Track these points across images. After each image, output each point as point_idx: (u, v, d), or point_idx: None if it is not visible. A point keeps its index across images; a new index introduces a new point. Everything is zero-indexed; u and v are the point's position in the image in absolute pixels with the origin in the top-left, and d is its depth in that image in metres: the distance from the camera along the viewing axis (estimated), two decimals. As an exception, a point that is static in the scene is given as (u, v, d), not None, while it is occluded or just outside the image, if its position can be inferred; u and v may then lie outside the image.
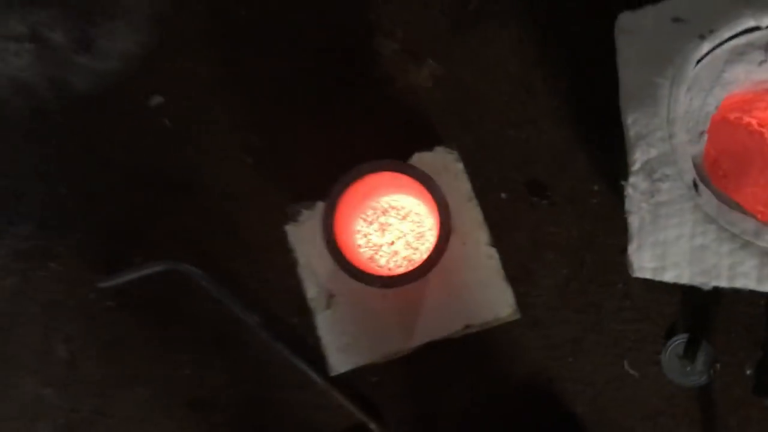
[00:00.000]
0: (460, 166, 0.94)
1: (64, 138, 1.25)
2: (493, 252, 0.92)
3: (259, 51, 1.23)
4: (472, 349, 1.08)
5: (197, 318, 1.16)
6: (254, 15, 1.26)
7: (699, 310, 1.07)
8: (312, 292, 0.91)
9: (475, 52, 1.20)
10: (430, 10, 1.22)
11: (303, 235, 0.92)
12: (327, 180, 0.86)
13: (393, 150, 0.98)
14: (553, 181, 1.15)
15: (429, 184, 0.79)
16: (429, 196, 0.81)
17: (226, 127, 1.22)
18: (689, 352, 1.04)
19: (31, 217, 1.23)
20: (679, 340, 1.06)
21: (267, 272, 1.15)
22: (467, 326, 0.90)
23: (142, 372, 1.16)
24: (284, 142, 1.19)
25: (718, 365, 1.05)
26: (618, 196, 0.91)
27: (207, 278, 1.13)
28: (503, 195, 1.15)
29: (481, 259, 0.91)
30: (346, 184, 0.78)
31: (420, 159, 0.94)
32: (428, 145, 1.01)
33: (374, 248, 0.93)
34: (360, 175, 0.79)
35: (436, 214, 0.80)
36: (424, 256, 0.82)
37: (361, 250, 0.92)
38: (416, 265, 0.78)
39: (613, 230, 1.14)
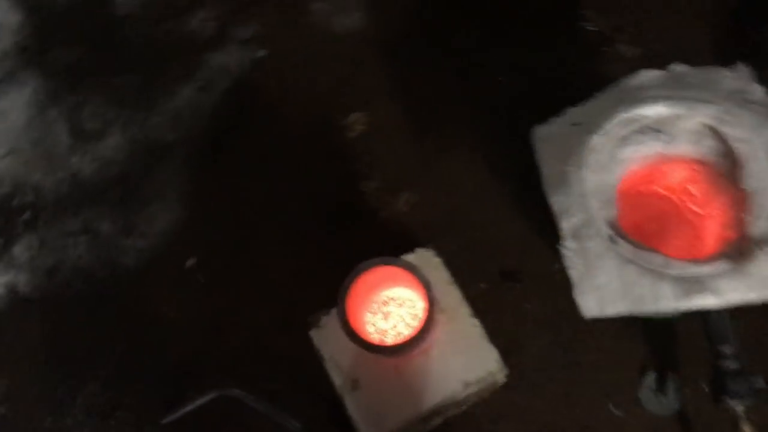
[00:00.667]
0: (438, 259, 1.20)
1: (120, 305, 1.52)
2: (476, 322, 1.15)
3: (268, 215, 1.54)
4: (482, 419, 1.28)
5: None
6: (264, 189, 1.58)
7: (660, 348, 1.28)
8: (338, 380, 1.13)
9: (440, 177, 1.51)
10: (398, 151, 1.54)
11: (325, 336, 1.16)
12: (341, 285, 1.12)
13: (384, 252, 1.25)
14: (522, 266, 1.41)
15: (414, 270, 1.05)
16: (416, 282, 1.06)
17: (254, 274, 1.49)
18: (660, 386, 1.24)
19: (98, 377, 1.47)
20: (651, 377, 1.26)
21: (301, 380, 1.37)
22: (466, 384, 1.12)
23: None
24: (299, 272, 1.46)
25: (686, 390, 1.24)
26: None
27: (251, 397, 1.35)
28: (482, 285, 1.40)
29: (467, 328, 1.15)
30: (351, 281, 1.04)
31: (405, 259, 1.21)
32: (410, 250, 1.29)
33: (381, 332, 1.17)
34: (362, 270, 1.05)
35: (423, 293, 1.05)
36: (419, 330, 1.06)
37: (372, 336, 1.16)
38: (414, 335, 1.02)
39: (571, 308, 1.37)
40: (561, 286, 1.32)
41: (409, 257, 1.19)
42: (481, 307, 1.31)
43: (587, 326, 1.34)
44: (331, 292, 1.20)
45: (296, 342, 1.30)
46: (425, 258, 1.19)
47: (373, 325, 1.19)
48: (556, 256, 1.41)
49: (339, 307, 1.04)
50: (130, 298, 1.52)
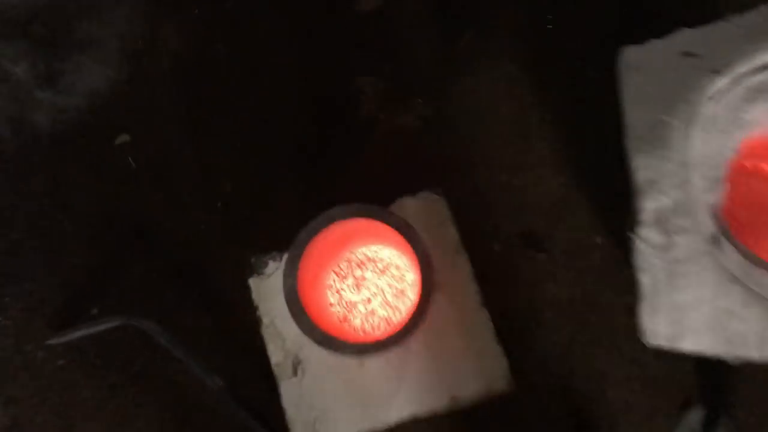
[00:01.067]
0: (447, 212, 0.84)
1: (19, 179, 1.15)
2: (484, 314, 0.81)
3: (235, 92, 1.15)
4: (462, 426, 0.96)
5: (157, 380, 1.04)
6: (233, 54, 1.18)
7: (719, 380, 0.95)
8: (277, 356, 0.79)
9: (466, 91, 1.11)
10: (419, 46, 1.14)
11: (268, 290, 0.81)
12: (300, 230, 0.76)
13: (375, 196, 0.88)
14: (551, 232, 1.05)
15: (409, 234, 0.69)
16: (410, 248, 0.70)
17: (195, 170, 1.11)
18: (708, 430, 0.91)
19: (-22, 263, 1.12)
20: (695, 415, 0.94)
21: (233, 329, 1.04)
22: (454, 398, 0.78)
23: (92, 441, 1.04)
24: (257, 188, 1.09)
25: (740, 441, 0.93)
26: (624, 249, 0.81)
27: (167, 336, 1.02)
28: (496, 247, 1.04)
29: (472, 321, 0.80)
30: (314, 232, 0.68)
31: (402, 205, 0.84)
32: (413, 191, 0.91)
33: (348, 307, 0.82)
34: (329, 221, 0.68)
35: (417, 268, 0.69)
36: (405, 317, 0.70)
37: (333, 309, 0.81)
38: (395, 328, 0.67)
39: (618, 288, 1.03)
40: (597, 270, 1.03)
41: (408, 203, 0.82)
42: (489, 275, 0.96)
43: (623, 327, 1.01)
44: (295, 222, 0.85)
45: (238, 280, 0.95)
46: (429, 207, 0.83)
47: (338, 292, 0.84)
48: (598, 228, 1.06)
49: (287, 275, 0.68)
50: (33, 170, 1.15)
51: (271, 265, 0.82)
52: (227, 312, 1.03)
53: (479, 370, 0.77)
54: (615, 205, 1.03)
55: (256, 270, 0.82)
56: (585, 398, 0.98)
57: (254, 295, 0.83)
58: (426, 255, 0.67)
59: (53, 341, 1.05)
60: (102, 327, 1.03)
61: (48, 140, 1.16)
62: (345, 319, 0.80)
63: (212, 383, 1.02)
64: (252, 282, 0.83)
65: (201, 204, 1.09)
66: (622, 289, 1.02)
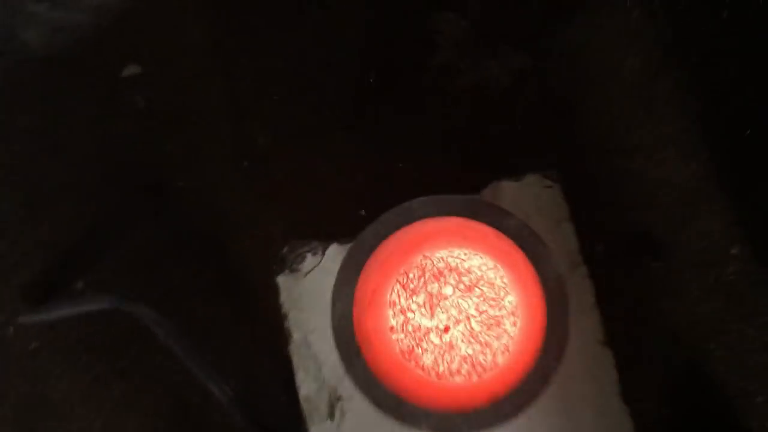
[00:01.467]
0: (566, 207, 0.59)
1: (2, 111, 0.92)
2: (607, 355, 0.56)
3: (273, 21, 0.90)
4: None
5: (150, 379, 0.83)
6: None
7: None
8: (308, 387, 0.56)
9: (576, 43, 0.85)
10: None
11: (303, 294, 0.57)
12: (350, 216, 0.53)
13: (453, 176, 0.65)
14: (674, 236, 0.81)
15: (533, 245, 0.44)
16: (519, 260, 0.46)
17: (220, 117, 0.88)
18: None
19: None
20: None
21: (255, 326, 0.81)
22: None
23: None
24: (297, 149, 0.85)
25: None
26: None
27: (167, 328, 0.79)
28: (598, 248, 0.80)
29: (589, 364, 0.56)
30: (382, 234, 0.44)
31: (498, 191, 0.60)
32: (507, 172, 0.66)
33: (415, 335, 0.57)
34: (407, 219, 0.44)
35: (533, 291, 0.45)
36: (499, 359, 0.46)
37: (395, 336, 0.57)
38: (490, 375, 0.43)
39: (753, 314, 0.79)
40: (729, 289, 0.81)
41: (505, 189, 0.57)
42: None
43: (758, 366, 0.77)
44: (342, 203, 0.63)
45: (265, 263, 0.72)
46: (539, 198, 0.58)
47: (402, 313, 0.58)
48: (735, 236, 0.82)
49: (339, 283, 0.45)
50: (20, 101, 0.92)
51: (310, 260, 0.58)
52: (249, 302, 0.81)
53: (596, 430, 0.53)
54: (760, 207, 0.79)
55: (289, 265, 0.59)
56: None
57: (283, 299, 0.60)
58: (560, 281, 0.43)
59: (26, 319, 0.83)
60: (87, 308, 0.81)
61: (39, 65, 0.93)
62: (411, 352, 0.56)
63: (220, 393, 0.80)
64: (281, 281, 0.60)
65: (225, 160, 0.86)
66: (758, 316, 0.78)
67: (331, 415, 0.55)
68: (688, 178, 0.82)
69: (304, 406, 0.59)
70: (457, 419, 0.43)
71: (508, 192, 0.60)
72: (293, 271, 0.60)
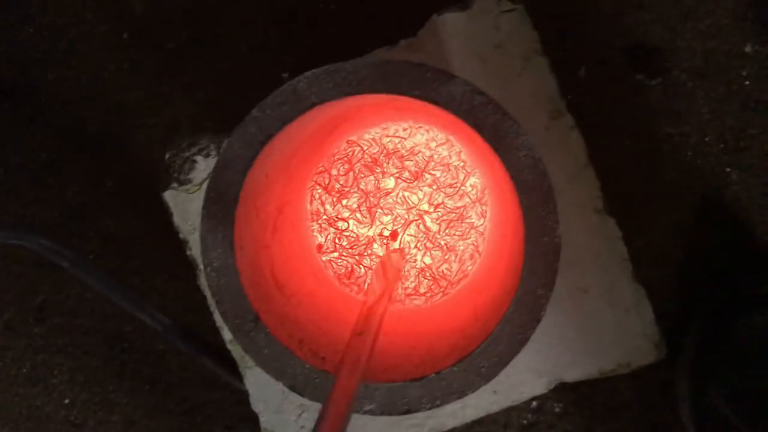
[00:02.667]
0: (534, 35, 0.42)
1: None
2: (611, 225, 0.42)
3: None
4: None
5: (69, 315, 0.70)
6: None
7: None
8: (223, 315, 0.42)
9: None
10: None
11: (199, 212, 0.41)
12: (270, 83, 0.37)
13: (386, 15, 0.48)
14: (673, 41, 0.64)
15: (482, 114, 0.29)
16: (477, 136, 0.31)
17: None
18: None
19: None
20: None
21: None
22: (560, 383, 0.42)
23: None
24: (188, 5, 0.66)
25: None
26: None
27: (69, 256, 0.65)
28: (581, 73, 0.65)
29: (591, 241, 0.42)
30: (259, 140, 0.28)
31: (440, 31, 0.43)
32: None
33: (354, 250, 0.41)
34: (295, 109, 0.28)
35: (504, 173, 0.30)
36: (468, 266, 0.32)
37: (325, 258, 0.41)
38: (464, 317, 0.29)
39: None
40: (747, 99, 0.66)
41: (449, 24, 0.40)
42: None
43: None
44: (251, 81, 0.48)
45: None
46: (497, 27, 0.41)
47: (330, 224, 0.42)
48: (748, 30, 0.67)
49: (204, 239, 0.29)
50: None
51: (202, 165, 0.42)
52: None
53: (616, 339, 0.40)
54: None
55: (174, 175, 0.43)
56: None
57: (177, 222, 0.45)
58: (537, 168, 0.28)
59: None
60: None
61: None
62: (350, 274, 0.41)
63: (152, 322, 0.67)
64: (170, 198, 0.44)
65: (100, 36, 0.67)
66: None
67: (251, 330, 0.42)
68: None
69: (232, 349, 0.46)
70: (410, 389, 0.30)
71: (454, 28, 0.43)
72: (182, 183, 0.44)
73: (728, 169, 0.66)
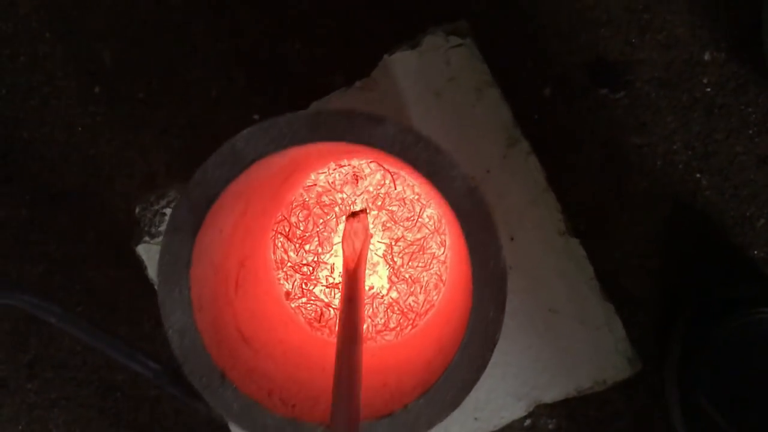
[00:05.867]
0: (484, 68, 0.43)
1: None
2: (575, 245, 0.43)
3: None
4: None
5: (61, 368, 0.71)
6: None
7: None
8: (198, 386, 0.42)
9: None
10: None
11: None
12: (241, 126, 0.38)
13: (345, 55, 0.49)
14: (631, 53, 0.65)
15: (413, 151, 0.30)
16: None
17: (49, 35, 0.69)
18: None
19: None
20: None
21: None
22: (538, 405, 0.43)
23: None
24: (154, 56, 0.67)
25: None
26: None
27: (55, 311, 0.65)
28: (546, 92, 0.66)
29: (558, 262, 0.43)
30: (203, 201, 0.29)
31: (393, 69, 0.44)
32: (408, 35, 0.49)
33: (321, 294, 0.42)
34: (236, 167, 0.29)
35: (443, 204, 0.31)
36: (435, 298, 0.33)
37: (294, 305, 0.42)
38: (430, 352, 0.30)
39: (740, 126, 0.66)
40: (711, 105, 0.70)
41: (400, 63, 0.41)
42: (539, 136, 0.59)
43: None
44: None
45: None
46: (447, 62, 0.42)
47: (296, 270, 0.43)
48: (706, 36, 0.68)
49: (163, 300, 0.30)
50: None
51: (176, 218, 0.43)
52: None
53: (590, 357, 0.41)
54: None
55: (145, 229, 0.44)
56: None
57: (151, 274, 0.45)
58: (473, 196, 0.29)
59: None
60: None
61: None
62: (320, 319, 0.42)
63: (143, 369, 0.67)
64: (142, 251, 0.45)
65: (71, 92, 0.68)
66: (746, 130, 0.65)
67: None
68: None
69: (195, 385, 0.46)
70: (379, 427, 0.31)
71: (406, 66, 0.44)
72: (153, 236, 0.45)
73: (698, 175, 0.67)
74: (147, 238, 0.45)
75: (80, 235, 0.69)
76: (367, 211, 0.40)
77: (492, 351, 0.32)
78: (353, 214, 0.39)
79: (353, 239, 0.35)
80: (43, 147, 0.69)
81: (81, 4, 0.68)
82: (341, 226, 0.42)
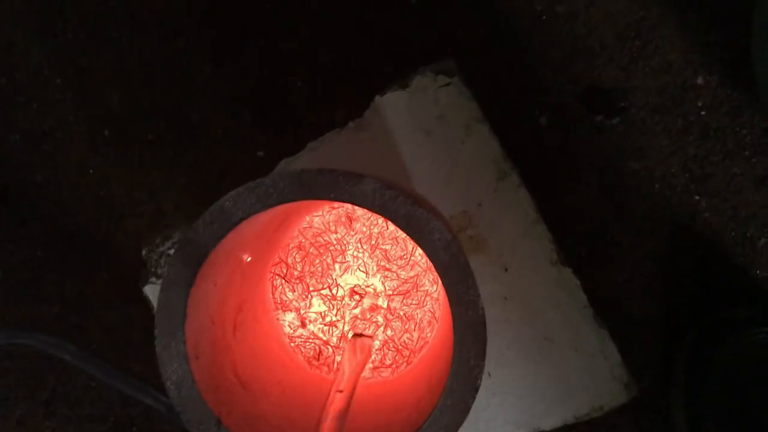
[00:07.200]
0: (473, 105, 0.45)
1: None
2: (567, 275, 0.44)
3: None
4: None
5: (77, 405, 0.72)
6: None
7: None
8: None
9: None
10: None
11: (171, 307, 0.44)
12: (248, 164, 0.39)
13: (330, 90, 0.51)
14: (626, 80, 0.66)
15: (392, 206, 0.32)
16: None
17: (59, 81, 0.72)
18: None
19: None
20: None
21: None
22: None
23: None
24: (161, 97, 0.70)
25: None
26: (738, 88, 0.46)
27: (70, 349, 0.67)
28: (542, 121, 0.67)
29: (552, 293, 0.44)
30: (194, 261, 0.31)
31: (383, 111, 0.45)
32: (397, 74, 0.51)
33: (318, 333, 0.44)
34: (225, 226, 0.31)
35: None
36: (428, 334, 0.34)
37: (292, 343, 0.44)
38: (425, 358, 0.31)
39: (737, 147, 0.66)
40: (705, 127, 0.70)
41: (391, 102, 0.43)
42: (539, 167, 0.61)
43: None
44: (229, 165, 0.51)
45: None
46: (436, 101, 0.44)
47: (296, 312, 0.44)
48: (697, 62, 0.69)
49: (161, 351, 0.32)
50: None
51: (176, 268, 0.45)
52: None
53: (587, 383, 0.42)
54: (720, 23, 0.65)
55: (152, 270, 0.45)
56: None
57: (157, 317, 0.47)
58: (451, 249, 0.30)
59: None
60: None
61: None
62: (318, 357, 0.44)
63: (155, 403, 0.68)
64: (149, 292, 0.46)
65: (81, 136, 0.71)
66: (743, 151, 0.66)
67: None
68: (628, 4, 0.67)
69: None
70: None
71: (396, 106, 0.45)
72: (160, 276, 0.47)
73: (697, 197, 0.67)
74: (153, 279, 0.47)
75: (93, 274, 0.71)
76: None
77: (474, 396, 0.33)
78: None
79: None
80: (56, 189, 0.72)
81: (89, 50, 0.71)
82: (337, 265, 0.43)
